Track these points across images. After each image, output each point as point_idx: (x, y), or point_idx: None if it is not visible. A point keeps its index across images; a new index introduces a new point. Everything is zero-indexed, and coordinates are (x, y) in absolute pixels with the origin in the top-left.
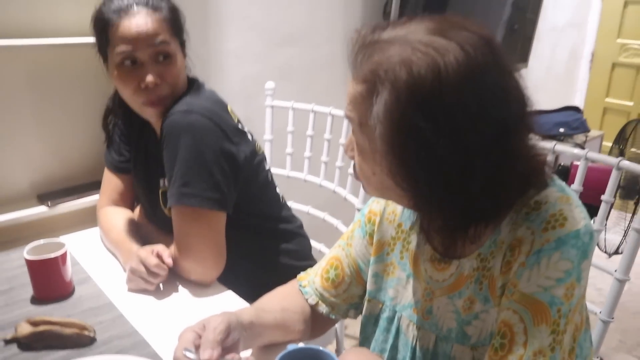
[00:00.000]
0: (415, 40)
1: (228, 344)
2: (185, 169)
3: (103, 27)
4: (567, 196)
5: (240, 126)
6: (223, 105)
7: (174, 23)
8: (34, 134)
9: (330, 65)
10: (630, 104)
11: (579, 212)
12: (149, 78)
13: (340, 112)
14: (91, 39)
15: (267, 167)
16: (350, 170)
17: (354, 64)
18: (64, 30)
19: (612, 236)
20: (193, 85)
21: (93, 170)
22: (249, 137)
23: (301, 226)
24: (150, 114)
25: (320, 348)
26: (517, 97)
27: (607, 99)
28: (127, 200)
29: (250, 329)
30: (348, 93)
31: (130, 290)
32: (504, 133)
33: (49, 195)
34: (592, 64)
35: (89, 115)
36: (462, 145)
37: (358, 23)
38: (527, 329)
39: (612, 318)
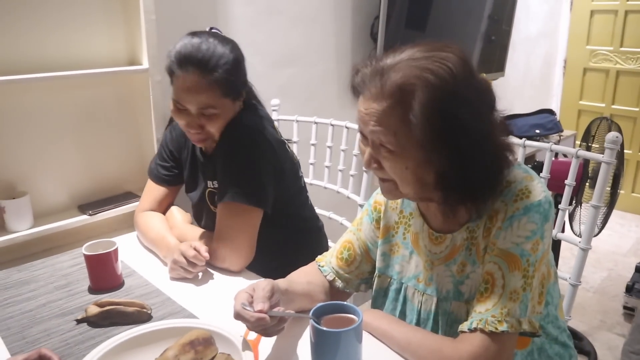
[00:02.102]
0: (421, 57)
1: (273, 302)
2: (238, 174)
3: (170, 69)
4: (530, 175)
5: (282, 138)
6: (271, 121)
7: (228, 83)
8: (74, 153)
9: (326, 82)
10: (602, 105)
11: (540, 187)
12: (192, 128)
13: (339, 122)
14: (120, 68)
15: (301, 174)
16: (352, 171)
17: (369, 89)
18: (98, 62)
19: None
20: (250, 102)
21: (125, 182)
22: (288, 147)
23: (322, 225)
24: (198, 145)
25: (345, 303)
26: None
27: (581, 102)
28: (162, 208)
29: (285, 294)
30: (369, 113)
31: (172, 278)
32: (495, 120)
33: (88, 205)
34: (565, 70)
35: (120, 136)
36: (475, 123)
37: (348, 44)
38: (504, 275)
39: (580, 282)
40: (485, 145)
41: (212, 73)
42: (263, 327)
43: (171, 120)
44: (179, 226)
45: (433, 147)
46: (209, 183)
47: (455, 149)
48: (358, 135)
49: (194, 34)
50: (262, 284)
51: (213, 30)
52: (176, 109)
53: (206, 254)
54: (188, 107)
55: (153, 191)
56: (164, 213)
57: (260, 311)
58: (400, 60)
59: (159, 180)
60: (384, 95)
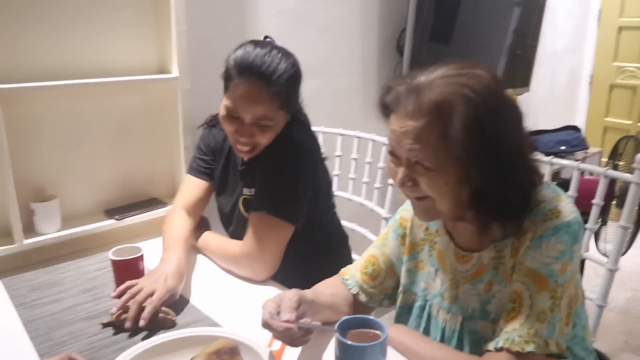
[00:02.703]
0: (456, 74)
1: (300, 312)
2: (282, 188)
3: (227, 74)
4: (560, 196)
5: (323, 157)
6: (315, 138)
7: (286, 96)
8: (103, 159)
9: (351, 94)
10: (629, 122)
11: (570, 207)
12: (243, 136)
13: (365, 135)
14: (149, 76)
15: (332, 192)
16: (377, 184)
17: (404, 107)
18: (129, 70)
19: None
20: (298, 117)
21: (151, 188)
22: (325, 165)
23: (347, 237)
24: (241, 155)
25: (371, 317)
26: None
27: (607, 119)
28: (199, 204)
29: (311, 305)
30: (406, 132)
31: None
32: (525, 136)
33: (115, 210)
34: (591, 86)
35: (148, 143)
36: (511, 139)
37: (374, 56)
38: (532, 295)
39: (606, 303)
40: (519, 161)
41: (274, 85)
42: (290, 337)
43: (210, 120)
44: (204, 234)
45: (471, 163)
46: (246, 190)
47: (493, 165)
48: (385, 151)
49: (256, 43)
50: (290, 294)
51: (269, 40)
52: (228, 115)
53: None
54: (243, 116)
55: (190, 186)
56: (198, 215)
57: (287, 321)
58: (435, 78)
59: (197, 172)
60: (422, 112)
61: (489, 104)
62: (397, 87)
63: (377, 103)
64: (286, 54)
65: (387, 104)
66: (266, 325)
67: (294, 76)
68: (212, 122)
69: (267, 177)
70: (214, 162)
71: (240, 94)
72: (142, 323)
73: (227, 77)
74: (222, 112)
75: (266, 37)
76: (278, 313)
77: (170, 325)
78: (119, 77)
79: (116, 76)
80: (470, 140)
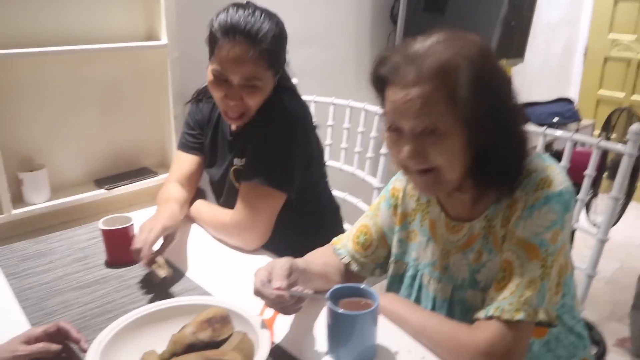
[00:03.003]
0: (452, 39)
1: (291, 280)
2: (273, 157)
3: (212, 38)
4: (552, 165)
5: (315, 125)
6: (307, 107)
7: (272, 55)
8: (92, 127)
9: (344, 63)
10: (622, 95)
11: (562, 176)
12: (232, 99)
13: (358, 104)
14: (137, 43)
15: (324, 161)
16: (369, 154)
17: (404, 76)
18: (117, 37)
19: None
20: (287, 84)
21: (141, 158)
22: (317, 134)
23: (339, 207)
24: (228, 121)
25: (362, 285)
26: None
27: (600, 91)
28: (192, 179)
29: (303, 273)
30: (410, 99)
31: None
32: (519, 104)
33: (105, 180)
34: (585, 58)
35: (138, 111)
36: (511, 102)
37: (367, 25)
38: (523, 264)
39: (596, 273)
40: (515, 126)
41: (260, 44)
42: (281, 305)
43: (196, 95)
44: (196, 202)
45: (476, 125)
46: (236, 160)
47: (494, 126)
48: (377, 120)
49: (238, 5)
50: (281, 262)
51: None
52: (216, 80)
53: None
54: (231, 78)
55: (181, 161)
56: (192, 188)
57: (278, 289)
58: (431, 45)
59: (186, 148)
60: (426, 77)
61: (488, 64)
62: (393, 57)
63: (370, 77)
64: (269, 14)
65: (384, 76)
66: (258, 293)
67: (279, 35)
68: (199, 97)
69: (258, 146)
70: (203, 135)
71: (227, 54)
72: (143, 262)
73: (212, 41)
74: (209, 77)
75: (248, 1)
76: (269, 281)
77: (158, 280)
78: (107, 43)
79: (104, 43)
80: (476, 99)
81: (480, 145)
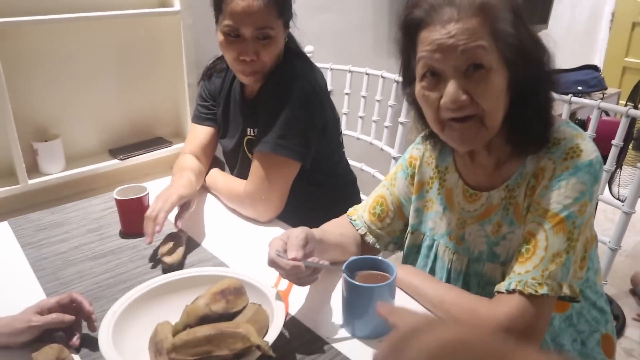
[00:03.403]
0: None
1: (307, 250)
2: (284, 125)
3: None
4: (581, 134)
5: (330, 91)
6: (320, 73)
7: (283, 3)
8: (106, 97)
9: (361, 30)
10: None
11: (592, 146)
12: (247, 55)
13: (375, 72)
14: (151, 10)
15: (340, 130)
16: (387, 123)
17: (445, 14)
18: (129, 3)
19: (626, 191)
20: (294, 51)
21: (156, 127)
22: (332, 101)
23: (355, 179)
24: (245, 80)
25: (379, 257)
26: None
27: (627, 59)
28: (207, 150)
29: (319, 244)
30: (455, 34)
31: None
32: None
33: (119, 150)
34: (612, 24)
35: (152, 80)
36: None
37: None
38: (548, 236)
39: (620, 246)
40: (548, 76)
41: None
42: (297, 275)
43: (206, 71)
44: (212, 172)
45: (517, 66)
46: (249, 130)
47: (532, 69)
48: (395, 89)
49: None
50: (297, 232)
51: None
52: (228, 38)
53: None
54: (243, 32)
55: (195, 133)
56: (208, 159)
57: (294, 259)
58: None
59: (200, 119)
60: (468, 13)
61: (524, 9)
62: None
63: (400, 21)
64: None
65: (419, 18)
66: (273, 263)
67: None
68: (209, 73)
69: (270, 114)
70: (216, 106)
71: (237, 7)
72: (157, 229)
73: (219, 2)
74: (220, 38)
75: None
76: (285, 251)
77: (165, 266)
78: (120, 10)
79: (116, 9)
80: (517, 37)
81: (518, 92)
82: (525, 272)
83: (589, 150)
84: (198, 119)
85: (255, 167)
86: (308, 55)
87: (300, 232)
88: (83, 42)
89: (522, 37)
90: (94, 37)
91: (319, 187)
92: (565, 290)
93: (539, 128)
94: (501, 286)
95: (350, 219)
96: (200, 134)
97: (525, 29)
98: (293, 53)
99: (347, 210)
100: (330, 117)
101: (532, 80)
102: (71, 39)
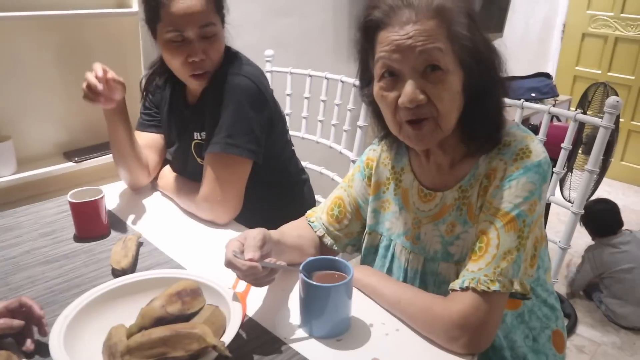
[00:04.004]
0: None
1: (264, 251)
2: (231, 124)
3: (155, 5)
4: (530, 135)
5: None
6: (261, 71)
7: (218, 1)
8: (60, 98)
9: (322, 34)
10: (599, 71)
11: (540, 147)
12: (196, 55)
13: (334, 76)
14: (109, 10)
15: (287, 128)
16: (346, 126)
17: (402, 15)
18: (86, 3)
19: (576, 194)
20: (231, 52)
21: None
22: (276, 99)
23: (308, 179)
24: (194, 85)
25: (336, 258)
26: None
27: (578, 67)
28: (152, 156)
29: (277, 245)
30: (414, 35)
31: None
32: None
33: (74, 152)
34: (563, 34)
35: None
36: (490, 45)
37: None
38: (500, 235)
39: (569, 246)
40: (502, 80)
41: None
42: (254, 276)
43: (145, 93)
44: (166, 175)
45: (471, 68)
46: (196, 135)
47: (488, 72)
48: (354, 93)
49: None
50: (254, 233)
51: None
52: (172, 45)
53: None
54: (187, 34)
55: (140, 141)
56: (154, 168)
57: (251, 260)
58: None
59: (143, 127)
60: (427, 15)
61: (477, 16)
62: (387, 1)
63: (359, 23)
64: None
65: (377, 19)
66: (229, 264)
67: None
68: (148, 91)
69: (217, 115)
70: (159, 114)
71: (178, 9)
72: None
73: (157, 12)
74: (164, 49)
75: None
76: (242, 252)
77: (117, 272)
78: (76, 9)
79: (72, 9)
80: (473, 40)
81: (472, 94)
82: (477, 270)
83: (537, 151)
84: (142, 126)
85: (208, 170)
86: (267, 59)
87: (257, 233)
88: (38, 40)
89: (476, 40)
90: (51, 35)
91: (269, 184)
92: (516, 287)
93: (491, 129)
94: (455, 284)
95: (309, 221)
96: (145, 140)
97: (480, 34)
98: (231, 53)
99: (301, 209)
100: (275, 113)
101: (485, 82)
102: (26, 37)
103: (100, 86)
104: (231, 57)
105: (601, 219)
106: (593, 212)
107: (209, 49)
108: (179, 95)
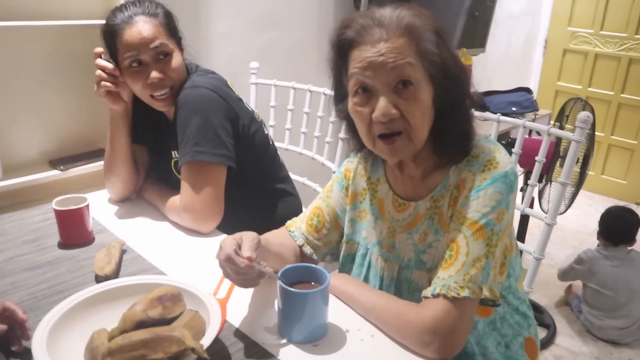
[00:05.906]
0: (412, 9)
1: (257, 254)
2: (195, 133)
3: (111, 37)
4: (498, 147)
5: (238, 96)
6: (223, 80)
7: (169, 26)
8: (46, 107)
9: (306, 47)
10: (579, 87)
11: (507, 158)
12: (153, 74)
13: (317, 89)
14: (95, 21)
15: (266, 132)
16: (328, 138)
17: (374, 34)
18: (74, 14)
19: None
20: (193, 68)
21: (98, 139)
22: (247, 106)
23: (294, 187)
24: (159, 107)
25: (313, 265)
26: None
27: (559, 82)
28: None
29: (261, 251)
30: (385, 53)
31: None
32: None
33: (59, 161)
34: (545, 50)
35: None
36: (457, 60)
37: (330, 11)
38: (469, 242)
39: (543, 256)
40: (469, 94)
41: (155, 16)
42: (247, 275)
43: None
44: (150, 187)
45: (441, 84)
46: (174, 153)
47: (456, 86)
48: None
49: (127, 3)
50: (251, 235)
51: None
52: (131, 71)
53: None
54: (143, 57)
55: None
56: (142, 172)
57: (249, 258)
58: (397, 10)
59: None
60: (396, 34)
61: (447, 34)
62: (359, 20)
63: (333, 41)
64: (156, 2)
65: (350, 38)
66: (228, 259)
67: (170, 13)
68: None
69: (181, 129)
70: (145, 130)
71: (132, 36)
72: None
73: (113, 37)
74: (126, 74)
75: None
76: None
77: (100, 278)
78: (62, 20)
79: (59, 19)
80: (441, 56)
81: (442, 107)
82: (448, 277)
83: (504, 162)
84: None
85: (184, 181)
86: (252, 71)
87: (254, 235)
88: (24, 50)
89: (444, 56)
90: (36, 46)
91: (252, 189)
92: (486, 293)
93: (460, 140)
94: (427, 291)
95: (289, 231)
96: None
97: (447, 50)
98: (193, 72)
99: (287, 218)
100: (245, 117)
101: (453, 96)
102: (12, 46)
103: (111, 66)
104: (192, 74)
105: (615, 224)
106: (612, 212)
107: (166, 68)
108: (161, 114)
